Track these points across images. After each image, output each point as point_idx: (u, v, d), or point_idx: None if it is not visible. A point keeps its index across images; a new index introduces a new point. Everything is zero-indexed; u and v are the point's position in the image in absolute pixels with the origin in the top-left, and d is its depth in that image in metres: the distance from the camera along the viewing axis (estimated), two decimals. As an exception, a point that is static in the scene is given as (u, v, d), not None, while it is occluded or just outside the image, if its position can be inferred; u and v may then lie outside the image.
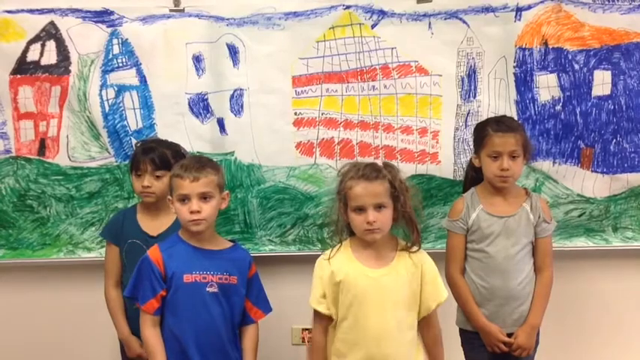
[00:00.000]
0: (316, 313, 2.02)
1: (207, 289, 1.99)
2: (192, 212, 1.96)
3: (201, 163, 2.04)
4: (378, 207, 1.91)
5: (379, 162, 2.03)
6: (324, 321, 2.02)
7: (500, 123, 2.21)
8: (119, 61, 2.54)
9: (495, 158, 2.16)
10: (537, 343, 2.28)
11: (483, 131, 2.21)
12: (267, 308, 2.12)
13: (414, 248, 1.99)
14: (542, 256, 2.23)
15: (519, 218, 2.20)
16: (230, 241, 2.13)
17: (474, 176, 2.32)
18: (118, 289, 2.32)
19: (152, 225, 2.29)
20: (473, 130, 2.34)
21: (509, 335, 2.21)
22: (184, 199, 1.97)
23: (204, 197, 1.97)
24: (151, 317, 1.98)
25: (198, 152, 2.54)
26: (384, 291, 1.94)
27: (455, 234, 2.26)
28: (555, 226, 2.29)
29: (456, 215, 2.26)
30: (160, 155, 2.25)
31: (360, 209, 1.91)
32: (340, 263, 1.98)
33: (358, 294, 1.94)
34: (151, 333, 1.98)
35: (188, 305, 1.98)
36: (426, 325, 2.03)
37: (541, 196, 2.42)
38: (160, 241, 2.14)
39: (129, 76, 2.54)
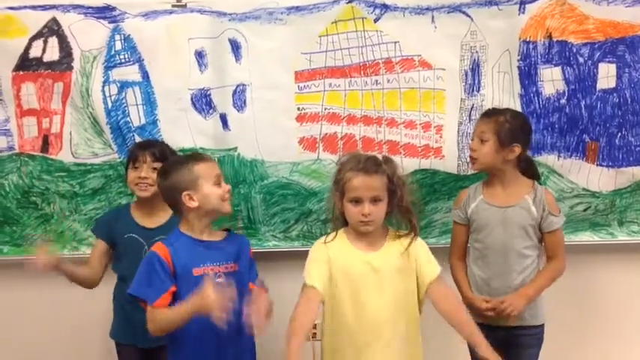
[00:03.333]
0: (307, 292, 1.97)
1: (216, 280, 1.96)
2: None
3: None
4: (374, 200, 1.95)
5: (379, 156, 2.04)
6: (314, 300, 1.97)
7: (485, 112, 2.30)
8: (121, 57, 2.53)
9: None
10: (542, 340, 2.27)
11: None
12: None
13: (404, 233, 2.02)
14: (553, 249, 2.22)
15: (519, 210, 2.19)
16: (224, 230, 2.11)
17: None
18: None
19: (148, 220, 2.31)
20: None
21: (505, 328, 2.19)
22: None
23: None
24: None
25: (201, 148, 2.54)
26: (378, 273, 1.97)
27: (456, 223, 2.32)
28: (564, 221, 2.26)
29: (457, 204, 2.31)
30: (160, 149, 2.30)
31: (357, 201, 1.95)
32: (337, 248, 2.02)
33: (356, 278, 1.97)
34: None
35: None
36: (438, 293, 1.99)
37: (547, 189, 2.40)
38: (159, 233, 2.18)
39: (131, 72, 2.54)
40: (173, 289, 1.95)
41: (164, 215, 2.29)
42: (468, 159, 2.33)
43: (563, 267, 2.23)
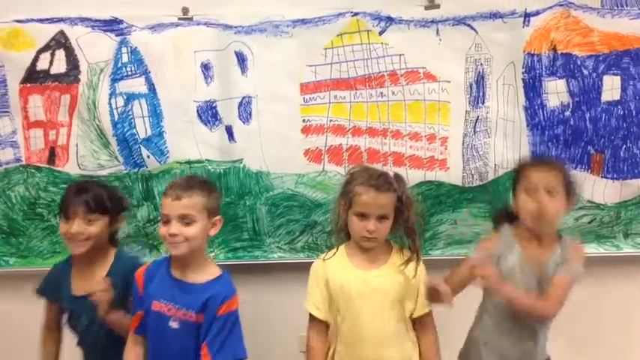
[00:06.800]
0: (313, 318, 2.03)
1: (170, 323, 1.88)
2: (170, 235, 1.85)
3: (190, 183, 1.91)
4: (381, 218, 1.95)
5: (391, 173, 2.03)
6: (322, 326, 2.03)
7: (538, 159, 2.11)
8: (128, 69, 2.55)
9: (532, 193, 1.94)
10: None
11: (521, 169, 2.03)
12: (222, 356, 1.83)
13: (408, 253, 2.02)
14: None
15: (552, 264, 1.97)
16: (222, 269, 1.98)
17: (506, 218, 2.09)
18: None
19: (82, 284, 2.06)
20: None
21: None
22: (166, 220, 1.87)
23: (185, 220, 1.85)
24: (131, 334, 1.98)
25: (206, 160, 2.56)
26: (377, 292, 1.97)
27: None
28: (579, 274, 1.97)
29: (486, 249, 2.04)
30: (95, 196, 2.02)
31: (363, 215, 1.95)
32: (335, 267, 2.02)
33: (353, 296, 1.97)
34: (126, 350, 1.98)
35: (153, 333, 1.93)
36: (421, 329, 2.03)
37: (573, 240, 2.08)
38: (86, 302, 1.99)
39: (138, 85, 2.55)
40: (141, 313, 1.94)
41: (100, 272, 2.04)
42: (528, 219, 1.96)
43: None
